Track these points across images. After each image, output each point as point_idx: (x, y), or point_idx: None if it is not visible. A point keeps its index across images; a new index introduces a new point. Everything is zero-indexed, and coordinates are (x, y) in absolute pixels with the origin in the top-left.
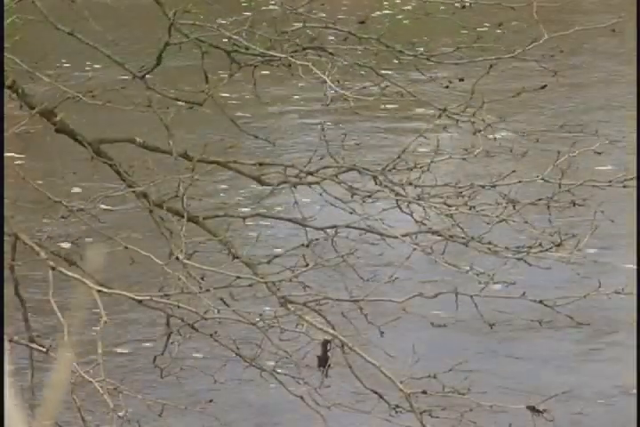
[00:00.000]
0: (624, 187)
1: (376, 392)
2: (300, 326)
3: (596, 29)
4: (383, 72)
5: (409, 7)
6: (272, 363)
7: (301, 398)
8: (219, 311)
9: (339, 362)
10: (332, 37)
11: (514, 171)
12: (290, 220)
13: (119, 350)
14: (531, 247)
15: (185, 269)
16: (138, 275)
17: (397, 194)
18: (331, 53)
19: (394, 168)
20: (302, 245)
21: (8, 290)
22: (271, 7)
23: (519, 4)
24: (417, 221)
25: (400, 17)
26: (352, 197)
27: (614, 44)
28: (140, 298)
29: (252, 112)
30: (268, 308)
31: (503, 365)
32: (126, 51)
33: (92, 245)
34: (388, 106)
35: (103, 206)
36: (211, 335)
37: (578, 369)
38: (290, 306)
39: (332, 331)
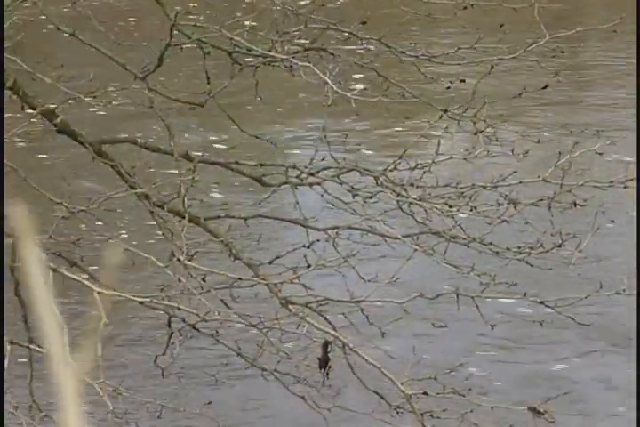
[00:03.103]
0: (625, 187)
1: (377, 393)
2: (302, 326)
3: (597, 30)
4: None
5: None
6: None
7: (302, 398)
8: (219, 313)
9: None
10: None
11: (515, 171)
12: (291, 221)
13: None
14: (532, 248)
15: (186, 270)
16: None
17: (399, 195)
18: (332, 54)
19: (395, 168)
20: (304, 246)
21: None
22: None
23: (521, 4)
24: (418, 222)
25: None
26: (354, 197)
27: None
28: (140, 300)
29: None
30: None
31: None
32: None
33: None
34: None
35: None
36: (212, 335)
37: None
38: (291, 307)
39: (333, 332)
